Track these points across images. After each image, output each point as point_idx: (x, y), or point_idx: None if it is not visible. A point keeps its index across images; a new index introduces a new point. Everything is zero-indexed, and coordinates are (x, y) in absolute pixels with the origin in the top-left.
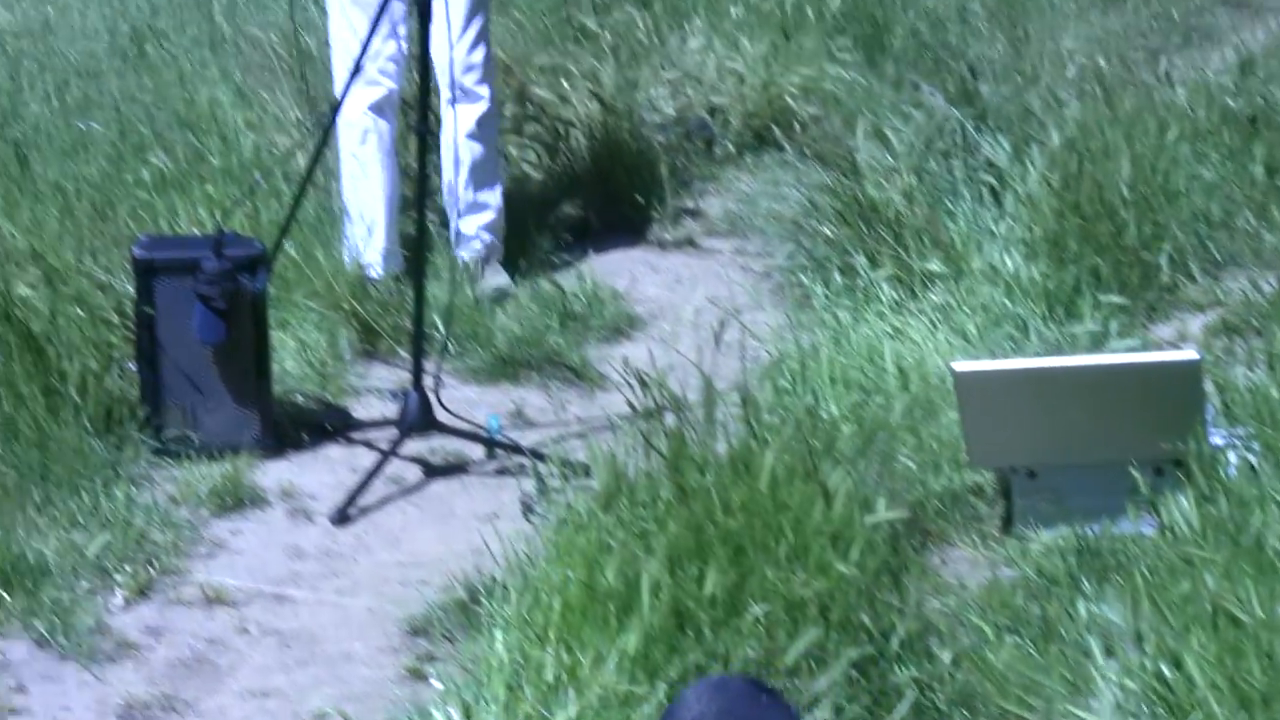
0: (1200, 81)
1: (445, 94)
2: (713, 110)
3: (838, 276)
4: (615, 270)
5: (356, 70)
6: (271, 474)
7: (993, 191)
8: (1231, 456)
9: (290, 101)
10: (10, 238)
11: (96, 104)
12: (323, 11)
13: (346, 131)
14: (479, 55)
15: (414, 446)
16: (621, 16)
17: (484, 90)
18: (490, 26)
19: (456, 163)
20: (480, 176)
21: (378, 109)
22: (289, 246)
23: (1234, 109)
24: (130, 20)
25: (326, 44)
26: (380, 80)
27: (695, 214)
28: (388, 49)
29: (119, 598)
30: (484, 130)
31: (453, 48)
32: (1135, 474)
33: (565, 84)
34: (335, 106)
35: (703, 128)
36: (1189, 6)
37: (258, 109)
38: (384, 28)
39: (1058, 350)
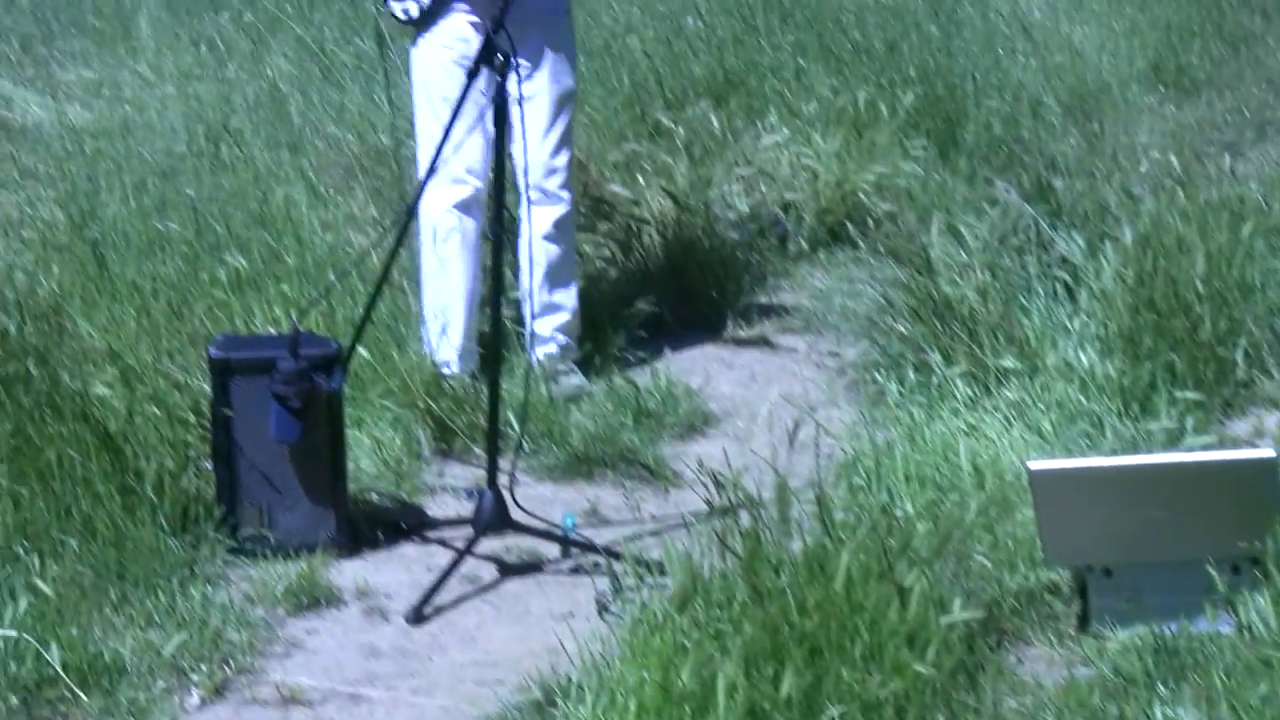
0: (1275, 176)
1: (526, 194)
2: (787, 206)
3: (912, 373)
4: (689, 367)
5: (432, 169)
6: (347, 573)
7: (1067, 287)
8: None
9: (366, 199)
10: (88, 337)
11: (173, 204)
12: (396, 110)
13: (429, 229)
14: (562, 159)
15: (489, 545)
16: (696, 112)
17: (565, 194)
18: (574, 128)
19: (533, 263)
20: (557, 277)
21: (463, 207)
22: (364, 345)
23: None
24: (207, 120)
25: (411, 138)
26: (466, 179)
27: (770, 310)
28: (474, 148)
29: (195, 697)
30: (562, 232)
31: (532, 149)
32: (1212, 572)
33: (639, 180)
34: (412, 204)
35: (777, 224)
36: (1262, 100)
37: (333, 208)
38: (469, 125)
39: (1133, 447)
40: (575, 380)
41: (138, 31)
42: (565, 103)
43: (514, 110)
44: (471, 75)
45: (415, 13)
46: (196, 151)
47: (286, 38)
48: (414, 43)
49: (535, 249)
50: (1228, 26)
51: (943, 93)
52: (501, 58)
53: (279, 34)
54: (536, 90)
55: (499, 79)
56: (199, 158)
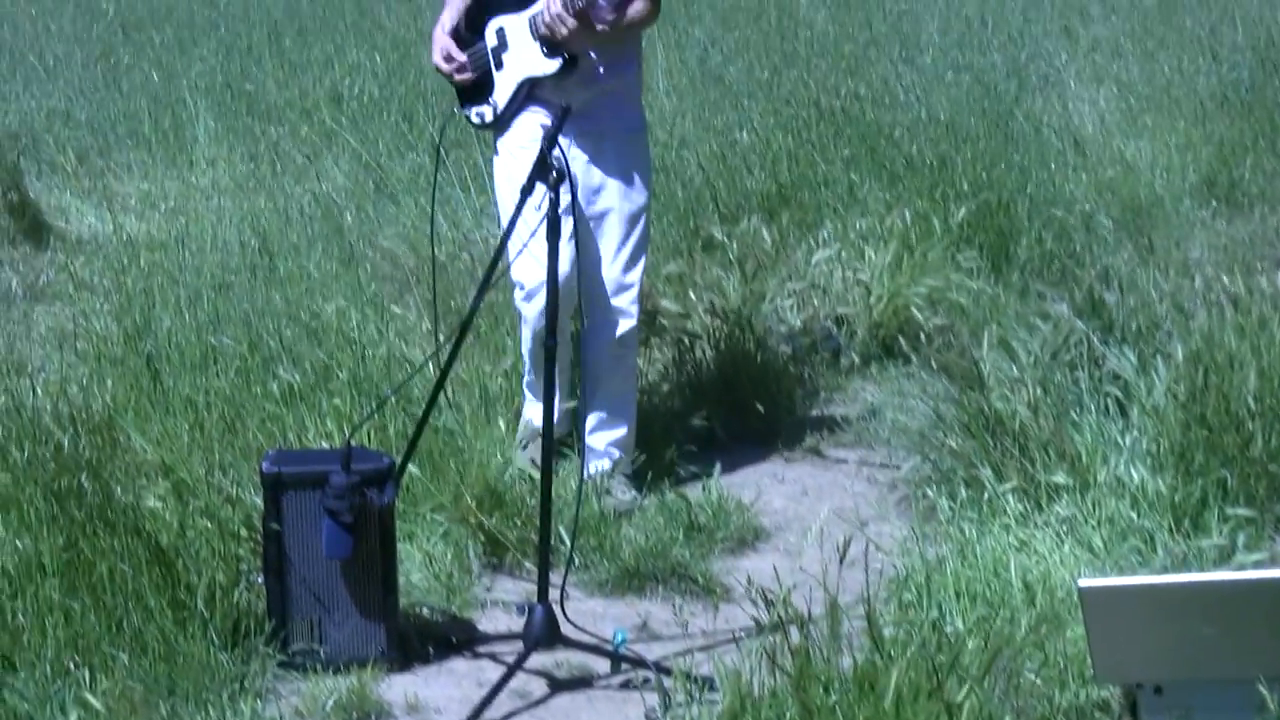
0: None
1: (582, 309)
2: (839, 320)
3: (963, 489)
4: (741, 481)
5: (486, 281)
6: (397, 687)
7: (1119, 403)
8: None
9: (420, 312)
10: (141, 451)
11: (227, 317)
12: (453, 226)
13: (527, 335)
14: (633, 276)
15: (539, 660)
16: (749, 226)
17: (633, 308)
18: (646, 245)
19: (593, 378)
20: (616, 393)
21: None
22: (416, 459)
23: None
24: (262, 233)
25: (465, 251)
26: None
27: (822, 424)
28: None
29: None
30: (625, 348)
31: (605, 264)
32: (1264, 691)
33: (691, 295)
34: (466, 320)
35: (829, 338)
36: None
37: (387, 320)
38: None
39: (1185, 564)
40: (628, 495)
41: (193, 143)
42: (637, 219)
43: (565, 226)
44: (525, 191)
45: (489, 116)
46: (251, 264)
47: (341, 151)
48: (495, 150)
49: (597, 364)
50: None
51: (995, 206)
52: (556, 173)
53: (334, 147)
54: (608, 206)
55: (553, 194)
56: (253, 270)
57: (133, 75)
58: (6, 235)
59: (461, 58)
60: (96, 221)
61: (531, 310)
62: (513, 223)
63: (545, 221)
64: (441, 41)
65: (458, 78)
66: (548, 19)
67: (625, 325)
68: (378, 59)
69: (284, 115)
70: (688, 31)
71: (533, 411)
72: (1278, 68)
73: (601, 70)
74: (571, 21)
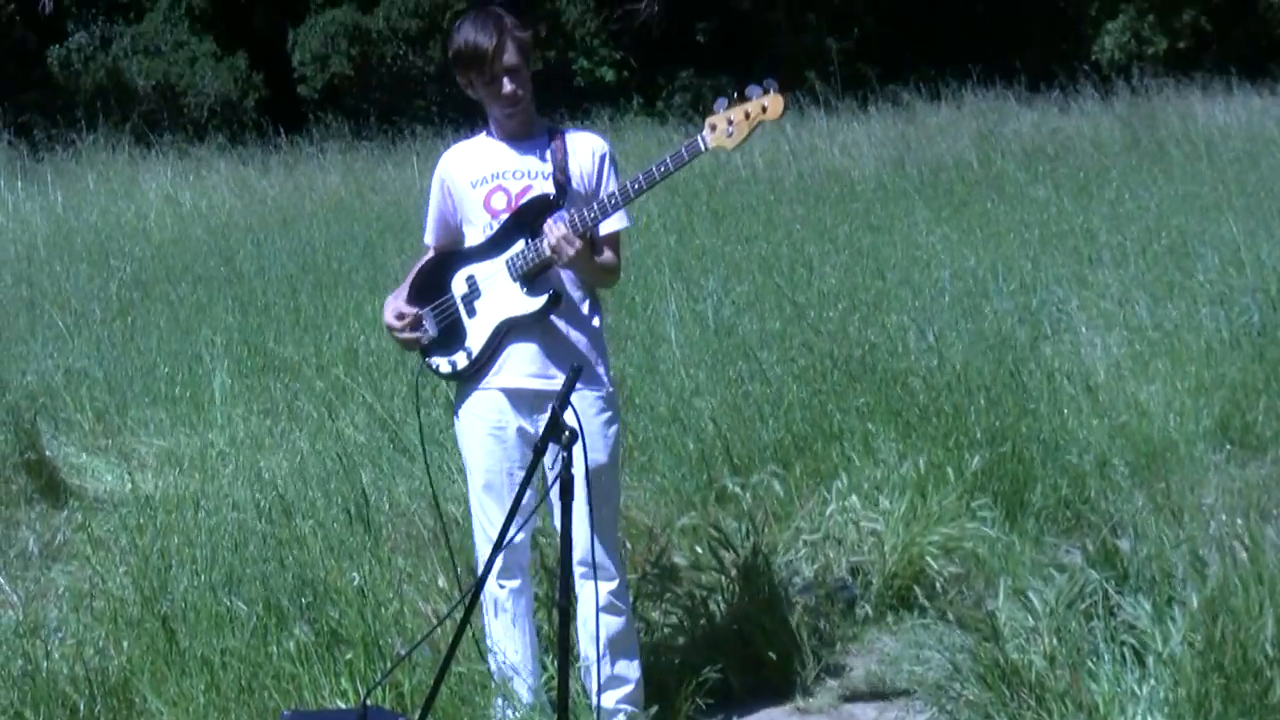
0: None
1: (577, 569)
2: (854, 570)
3: None
4: None
5: (498, 548)
6: None
7: (1135, 652)
8: None
9: (437, 569)
10: (157, 713)
11: (243, 577)
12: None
13: (488, 601)
14: (608, 533)
15: None
16: (761, 478)
17: (611, 567)
18: (617, 501)
19: (595, 637)
20: (618, 650)
21: (509, 578)
22: (433, 717)
23: None
24: (278, 490)
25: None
26: (514, 547)
27: (837, 676)
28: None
29: None
30: (619, 604)
31: (578, 524)
32: None
33: (706, 547)
34: (479, 581)
35: (843, 589)
36: None
37: (403, 578)
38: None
39: None
40: None
41: (210, 400)
42: (606, 479)
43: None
44: (539, 452)
45: (463, 363)
46: (267, 522)
47: (357, 407)
48: (456, 414)
49: (595, 623)
50: None
51: (1009, 454)
52: (569, 433)
53: (350, 403)
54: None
55: (565, 454)
56: (270, 526)
57: (150, 332)
58: (24, 494)
59: (412, 312)
60: (113, 480)
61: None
62: (524, 486)
63: (558, 482)
64: (393, 305)
65: (408, 335)
66: (553, 241)
67: (611, 583)
68: None
69: (300, 371)
70: (700, 283)
71: (504, 673)
72: None
73: (586, 306)
74: (578, 242)
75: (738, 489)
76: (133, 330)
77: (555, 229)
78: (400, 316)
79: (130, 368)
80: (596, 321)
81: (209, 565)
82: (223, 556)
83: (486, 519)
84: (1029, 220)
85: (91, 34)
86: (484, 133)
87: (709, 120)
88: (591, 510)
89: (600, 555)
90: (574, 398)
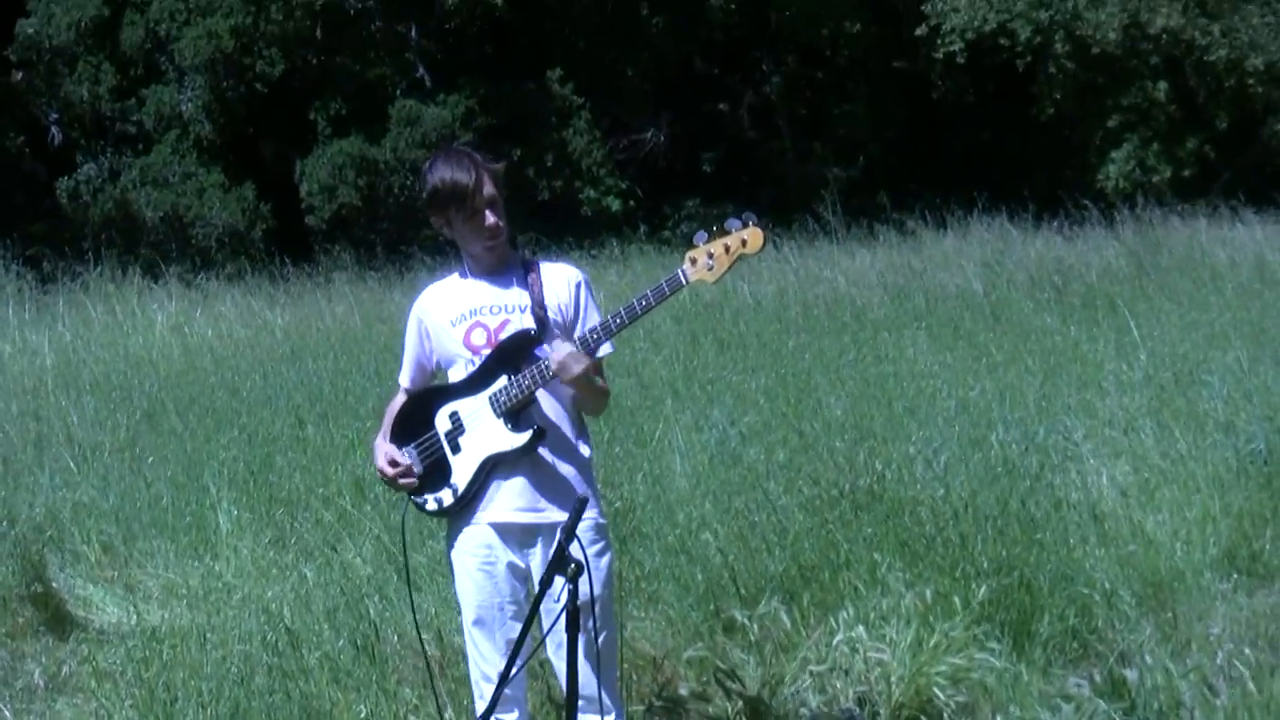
0: None
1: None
2: (861, 701)
3: None
4: None
5: (503, 683)
6: None
7: None
8: None
9: (445, 700)
10: None
11: (249, 711)
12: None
13: None
14: (609, 669)
15: None
16: (769, 608)
17: (610, 700)
18: (616, 630)
19: None
20: None
21: (506, 710)
22: None
23: None
24: (285, 622)
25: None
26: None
27: None
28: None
29: None
30: None
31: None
32: None
33: (713, 678)
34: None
35: (851, 719)
36: None
37: (409, 710)
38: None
39: None
40: None
41: (216, 532)
42: (603, 608)
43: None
44: (544, 584)
45: (449, 500)
46: (273, 654)
47: (364, 538)
48: (448, 550)
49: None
50: None
51: (1016, 584)
52: (574, 566)
53: (356, 534)
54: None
55: (571, 586)
56: (276, 658)
57: (157, 464)
58: (30, 626)
59: (406, 461)
60: (119, 611)
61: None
62: (528, 622)
63: (565, 614)
64: (384, 448)
65: (403, 482)
66: (560, 358)
67: (610, 675)
68: None
69: (307, 502)
70: (705, 414)
71: None
72: None
73: (573, 437)
74: (585, 359)
75: (744, 619)
76: (140, 462)
77: (561, 347)
78: (393, 464)
79: (137, 500)
80: (585, 451)
81: (215, 698)
82: (228, 689)
83: (480, 654)
84: (1034, 349)
85: (100, 165)
86: (456, 274)
87: (689, 254)
88: (587, 642)
89: (599, 688)
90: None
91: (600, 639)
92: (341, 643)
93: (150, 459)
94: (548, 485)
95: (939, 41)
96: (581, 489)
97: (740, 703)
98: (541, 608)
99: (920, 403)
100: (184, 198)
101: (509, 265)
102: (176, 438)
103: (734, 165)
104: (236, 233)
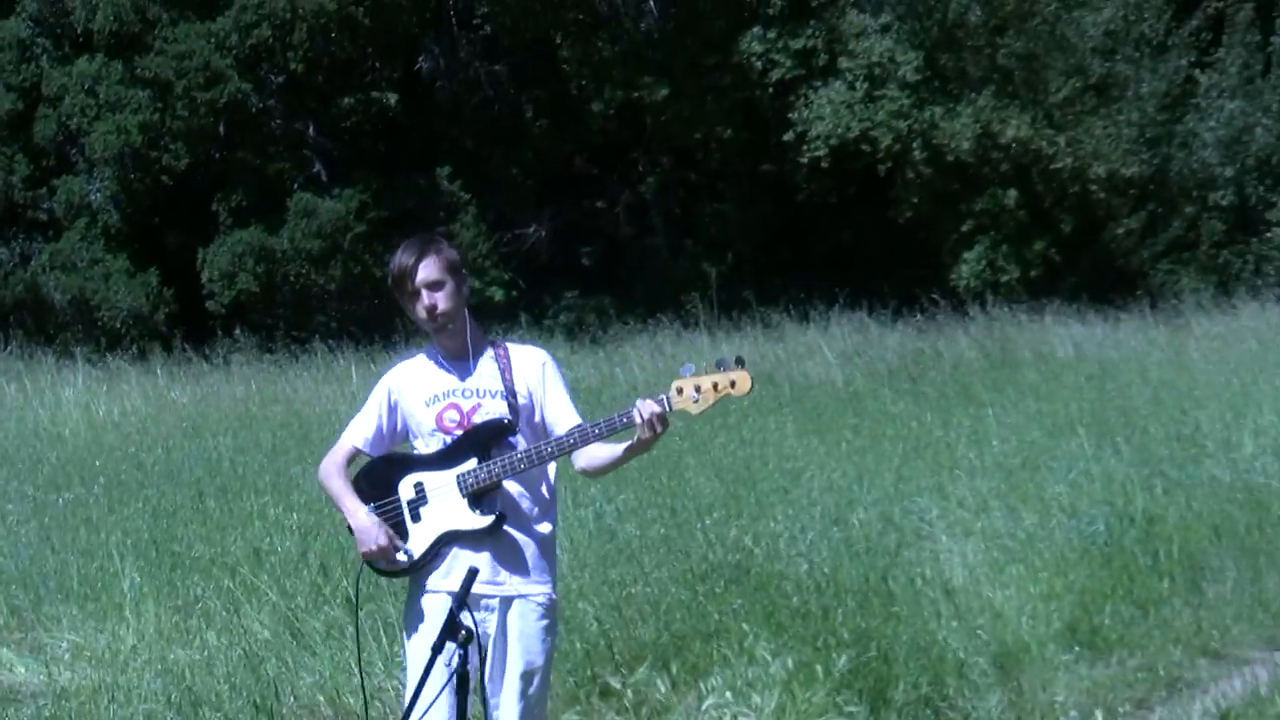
0: None
1: None
2: None
3: None
4: None
5: None
6: None
7: None
8: None
9: None
10: None
11: None
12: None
13: None
14: None
15: None
16: (643, 675)
17: None
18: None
19: None
20: None
21: None
22: None
23: None
24: (187, 684)
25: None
26: None
27: None
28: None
29: None
30: None
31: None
32: None
33: None
34: None
35: None
36: (1170, 659)
37: None
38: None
39: None
40: None
41: (120, 597)
42: (541, 678)
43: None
44: (436, 649)
45: (403, 562)
46: (176, 714)
47: (261, 604)
48: (405, 617)
49: None
50: (1137, 590)
51: (874, 654)
52: (465, 633)
53: (255, 600)
54: (516, 666)
55: (461, 652)
56: (179, 717)
57: (63, 533)
58: None
59: (399, 555)
60: (27, 672)
61: None
62: (423, 680)
63: (454, 677)
64: (376, 524)
65: (375, 549)
66: (646, 416)
67: None
68: (295, 516)
69: (207, 570)
70: (584, 490)
71: None
72: (1133, 522)
73: (537, 516)
74: (661, 427)
75: (620, 685)
76: (47, 530)
77: (650, 406)
78: (382, 548)
79: (44, 566)
80: (547, 528)
81: None
82: None
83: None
84: (892, 434)
85: (12, 250)
86: (422, 353)
87: (676, 384)
88: (523, 708)
89: None
90: (519, 601)
91: (536, 707)
92: (240, 702)
93: (56, 528)
94: (508, 559)
95: (804, 147)
96: (542, 565)
97: None
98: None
99: (785, 483)
100: (91, 282)
101: (478, 350)
102: (83, 507)
103: (611, 259)
104: (140, 316)
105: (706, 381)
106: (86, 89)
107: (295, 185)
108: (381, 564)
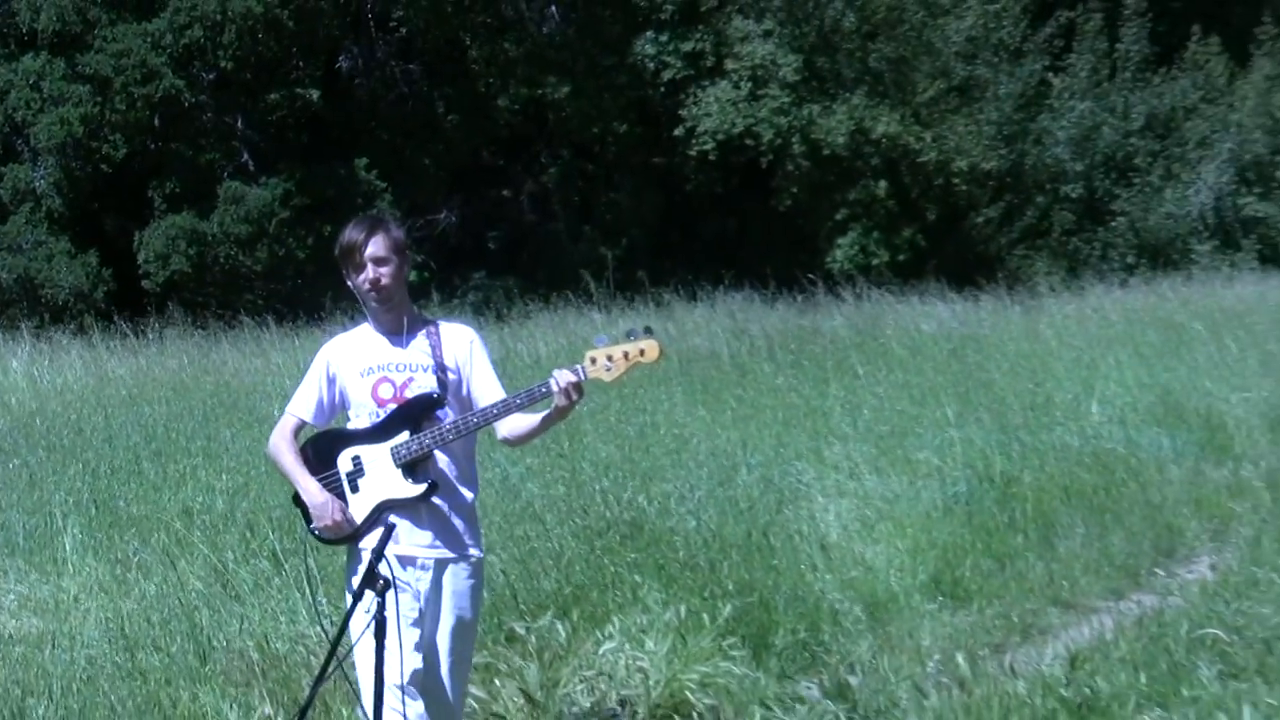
0: (1036, 672)
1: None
2: (623, 702)
3: None
4: None
5: (322, 673)
6: None
7: None
8: None
9: (263, 696)
10: None
11: (94, 705)
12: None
13: None
14: (463, 681)
15: None
16: (545, 623)
17: (459, 708)
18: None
19: None
20: None
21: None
22: None
23: (1066, 697)
24: (124, 631)
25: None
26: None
27: None
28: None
29: None
30: None
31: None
32: None
33: (496, 682)
34: (304, 707)
35: (614, 718)
36: (1025, 607)
37: (238, 709)
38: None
39: None
40: None
41: (62, 552)
42: (468, 634)
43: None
44: (356, 597)
45: (351, 527)
46: (115, 658)
47: (194, 558)
48: (348, 579)
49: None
50: (995, 546)
51: (756, 603)
52: (383, 582)
53: (188, 555)
54: (449, 622)
55: (380, 599)
56: (118, 659)
57: (7, 493)
58: None
59: (349, 525)
60: None
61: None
62: (345, 624)
63: (374, 623)
64: (329, 500)
65: (333, 533)
66: (563, 385)
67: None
68: (224, 478)
69: (143, 527)
70: (489, 454)
71: None
72: (991, 484)
73: (461, 485)
74: (576, 395)
75: (524, 632)
76: None
77: (566, 376)
78: (336, 523)
79: None
80: (470, 496)
81: (64, 694)
82: (76, 687)
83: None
84: (772, 404)
85: None
86: (365, 323)
87: (589, 354)
88: (453, 662)
89: (454, 699)
90: (452, 560)
91: (461, 663)
92: (175, 648)
93: (3, 488)
94: (440, 524)
95: (693, 141)
96: (468, 528)
97: (520, 701)
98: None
99: (675, 448)
100: (35, 262)
101: (411, 326)
102: (27, 469)
103: (515, 244)
104: (81, 294)
105: (618, 351)
106: (31, 84)
107: (224, 174)
108: (329, 535)
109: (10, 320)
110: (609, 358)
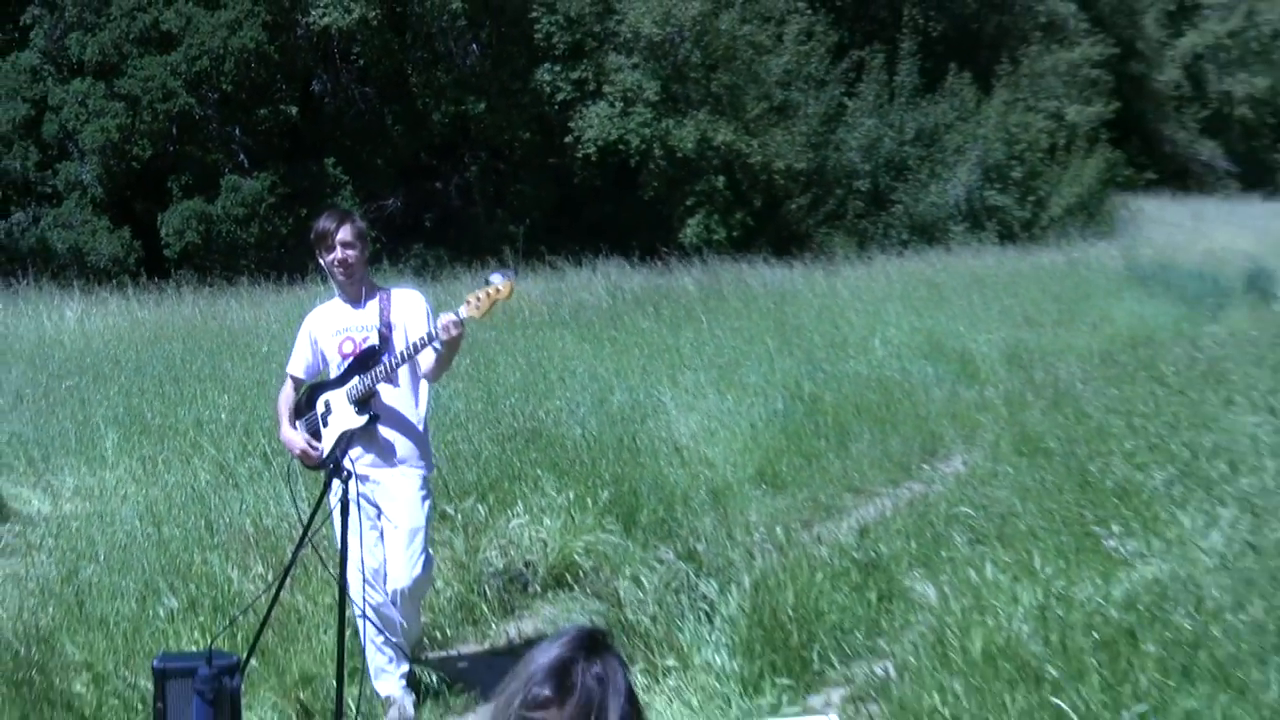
0: (835, 541)
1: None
2: (527, 564)
3: None
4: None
5: (301, 542)
6: None
7: (707, 614)
8: None
9: (256, 558)
10: (71, 654)
11: (128, 566)
12: (277, 506)
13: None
14: (423, 576)
15: None
16: (469, 505)
17: (427, 579)
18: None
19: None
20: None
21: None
22: (256, 658)
23: (856, 559)
24: (153, 510)
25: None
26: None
27: (517, 629)
28: (371, 548)
29: None
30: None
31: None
32: None
33: (431, 550)
34: (288, 565)
35: (520, 576)
36: (826, 493)
37: (237, 568)
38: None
39: (749, 715)
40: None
41: (104, 452)
42: (423, 536)
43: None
44: (327, 484)
45: (319, 455)
46: (147, 530)
47: (204, 458)
48: (325, 491)
49: (402, 604)
50: (804, 447)
51: (626, 491)
52: (346, 473)
53: (199, 455)
54: (408, 522)
55: (344, 486)
56: (148, 531)
57: (62, 409)
58: None
59: (314, 453)
60: (40, 505)
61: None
62: (316, 505)
63: (340, 505)
64: (294, 437)
65: (308, 462)
66: (444, 324)
67: (424, 582)
68: (225, 398)
69: (165, 434)
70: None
71: (384, 686)
72: (801, 402)
73: (410, 412)
74: (454, 331)
75: (453, 512)
76: (53, 406)
77: (447, 317)
78: (305, 455)
79: (51, 431)
80: (419, 424)
81: (108, 556)
82: (117, 552)
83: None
84: (639, 343)
85: (27, 214)
86: (331, 299)
87: (466, 297)
88: (410, 556)
89: (414, 587)
90: (400, 476)
91: (423, 561)
92: (190, 524)
93: (60, 405)
94: (388, 447)
95: (579, 146)
96: (417, 448)
97: (450, 564)
98: (343, 502)
99: (565, 374)
100: (83, 236)
101: (368, 293)
102: (77, 391)
103: (445, 224)
104: (118, 260)
105: (481, 293)
106: (80, 101)
107: (226, 170)
108: (307, 464)
109: (65, 280)
110: (477, 299)
